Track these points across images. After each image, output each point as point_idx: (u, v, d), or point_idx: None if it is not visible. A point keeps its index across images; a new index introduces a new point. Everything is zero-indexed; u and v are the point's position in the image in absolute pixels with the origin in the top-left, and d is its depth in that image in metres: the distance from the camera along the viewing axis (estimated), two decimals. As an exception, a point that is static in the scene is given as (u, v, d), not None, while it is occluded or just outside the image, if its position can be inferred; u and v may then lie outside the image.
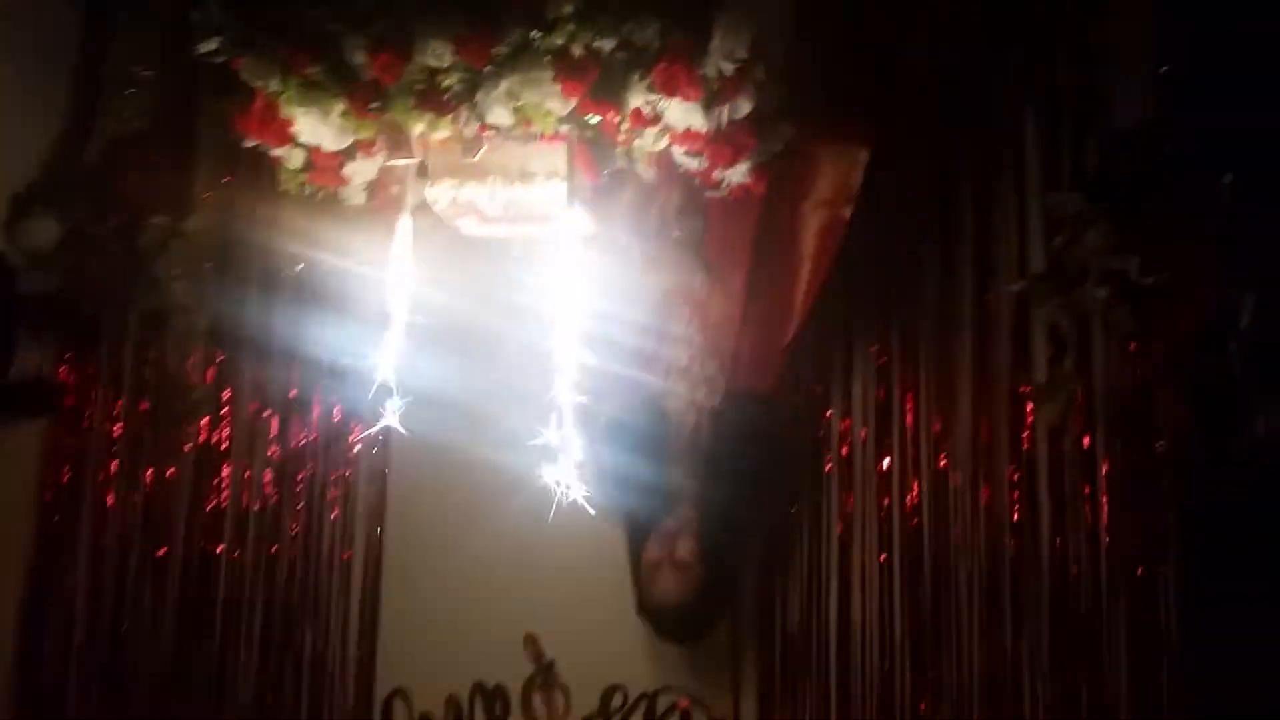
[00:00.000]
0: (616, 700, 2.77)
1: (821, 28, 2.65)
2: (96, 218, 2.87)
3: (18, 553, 2.88)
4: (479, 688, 2.81)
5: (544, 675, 2.82)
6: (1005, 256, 2.67)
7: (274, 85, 2.06)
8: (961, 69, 2.72)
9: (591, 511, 2.71)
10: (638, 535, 2.69)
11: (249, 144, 2.20)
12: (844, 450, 2.73)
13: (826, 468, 2.73)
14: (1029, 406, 2.60)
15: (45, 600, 2.88)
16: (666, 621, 2.66)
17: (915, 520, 2.66)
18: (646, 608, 2.66)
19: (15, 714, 2.84)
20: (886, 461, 2.70)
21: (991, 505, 2.61)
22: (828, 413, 2.75)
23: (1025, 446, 2.61)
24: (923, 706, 2.59)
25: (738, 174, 2.24)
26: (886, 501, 2.69)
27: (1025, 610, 2.56)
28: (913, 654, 2.62)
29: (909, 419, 2.70)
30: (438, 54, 1.94)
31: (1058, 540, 2.56)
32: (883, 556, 2.67)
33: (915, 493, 2.67)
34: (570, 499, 2.70)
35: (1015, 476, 2.60)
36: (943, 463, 2.66)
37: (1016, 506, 2.59)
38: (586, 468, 2.70)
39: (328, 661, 2.85)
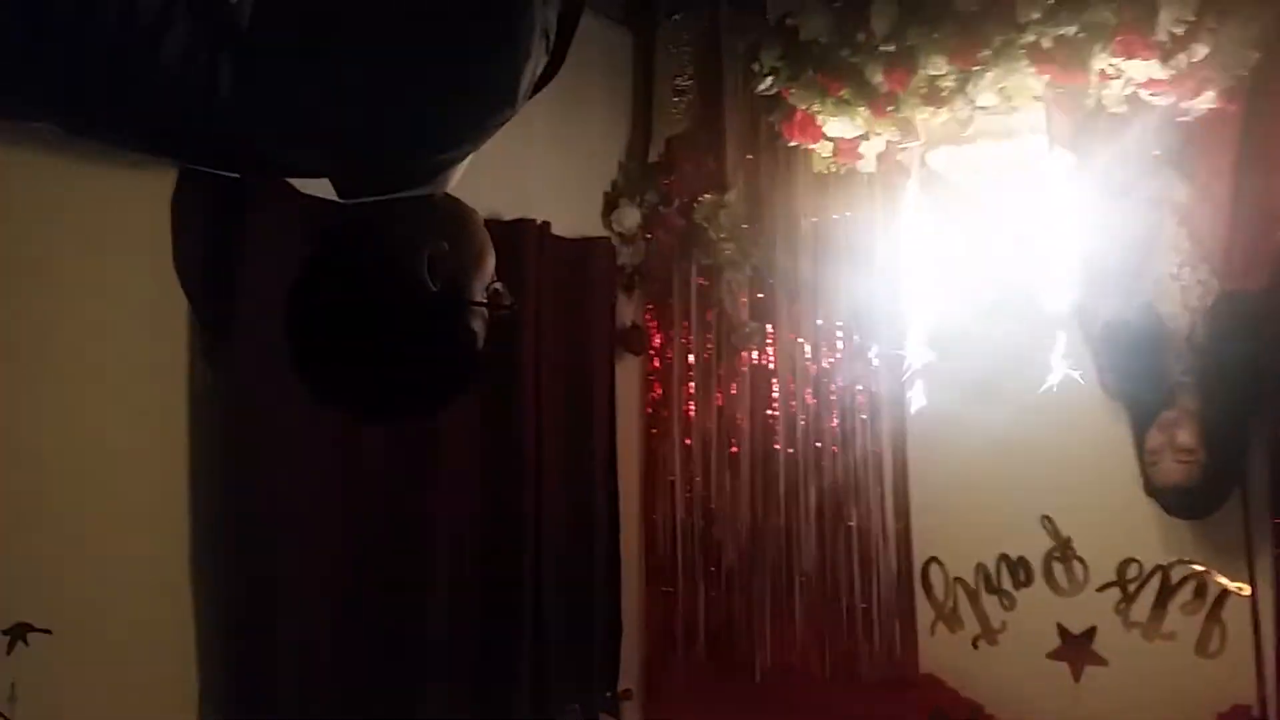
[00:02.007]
0: (1132, 571, 2.92)
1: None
2: (664, 200, 3.51)
3: (636, 452, 3.56)
4: (1004, 558, 3.08)
5: (1063, 549, 3.00)
6: None
7: (815, 105, 2.56)
8: None
9: (1098, 403, 2.93)
10: (1141, 425, 2.82)
11: (790, 145, 2.70)
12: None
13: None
14: None
15: (652, 484, 3.52)
16: (1173, 501, 2.79)
17: None
18: (1153, 489, 2.81)
19: (644, 561, 3.56)
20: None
21: None
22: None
23: None
24: None
25: (1204, 102, 2.32)
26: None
27: None
28: None
29: None
30: (936, 65, 2.32)
31: None
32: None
33: None
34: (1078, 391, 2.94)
35: None
36: None
37: None
38: (1091, 366, 2.92)
39: (872, 535, 3.23)
